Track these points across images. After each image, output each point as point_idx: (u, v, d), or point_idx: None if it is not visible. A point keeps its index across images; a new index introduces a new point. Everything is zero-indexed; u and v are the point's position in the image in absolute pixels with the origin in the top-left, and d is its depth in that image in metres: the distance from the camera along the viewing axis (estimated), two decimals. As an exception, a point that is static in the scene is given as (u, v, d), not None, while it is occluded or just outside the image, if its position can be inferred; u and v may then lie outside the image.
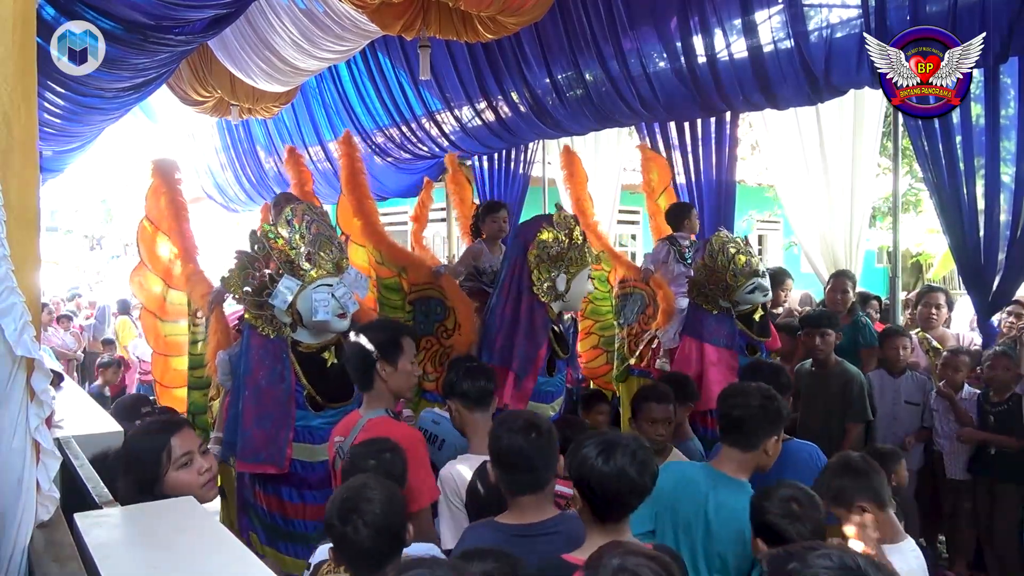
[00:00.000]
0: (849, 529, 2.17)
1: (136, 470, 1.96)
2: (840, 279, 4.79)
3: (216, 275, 4.00)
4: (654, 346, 4.68)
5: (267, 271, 2.99)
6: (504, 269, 4.01)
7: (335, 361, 3.07)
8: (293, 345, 3.03)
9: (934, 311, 4.60)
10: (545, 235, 3.76)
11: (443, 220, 9.61)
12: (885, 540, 2.21)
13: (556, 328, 3.90)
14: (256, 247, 3.02)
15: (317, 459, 3.01)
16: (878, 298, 5.72)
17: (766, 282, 4.25)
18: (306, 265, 2.97)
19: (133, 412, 3.26)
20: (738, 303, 4.19)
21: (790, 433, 3.09)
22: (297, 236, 2.99)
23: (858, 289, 5.09)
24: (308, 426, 3.03)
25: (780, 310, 5.49)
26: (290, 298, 2.93)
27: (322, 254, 3.01)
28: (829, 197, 5.48)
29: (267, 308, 2.99)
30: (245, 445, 2.97)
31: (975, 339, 4.67)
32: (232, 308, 3.94)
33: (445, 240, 9.70)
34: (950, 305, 4.73)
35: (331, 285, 2.99)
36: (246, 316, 3.08)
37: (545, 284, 3.75)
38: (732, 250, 4.16)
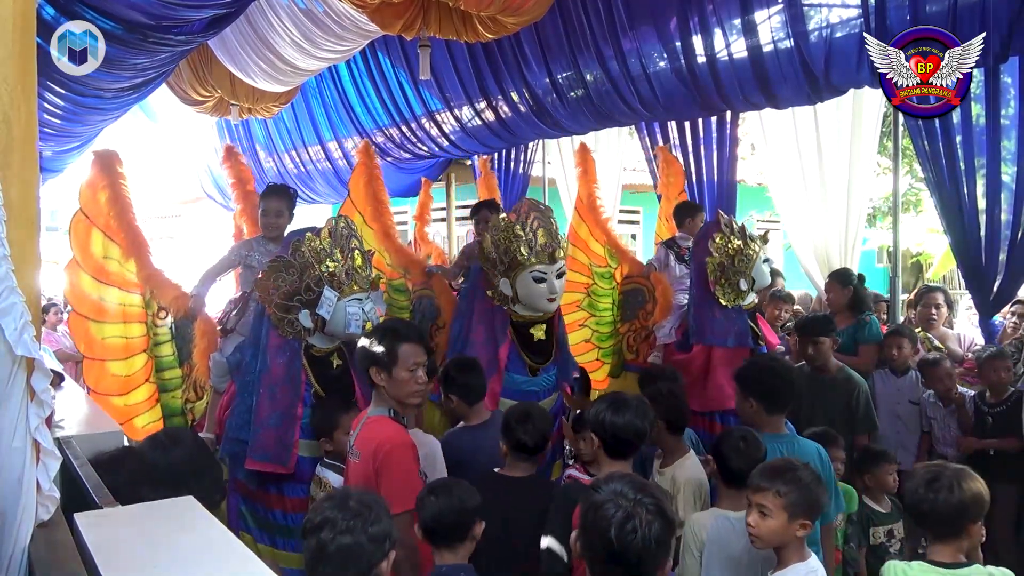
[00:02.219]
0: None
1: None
2: (828, 279, 4.80)
3: (187, 279, 4.01)
4: (650, 341, 4.69)
5: (305, 279, 3.05)
6: (468, 279, 4.09)
7: (340, 363, 3.19)
8: (306, 348, 3.12)
9: (934, 311, 4.59)
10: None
11: (443, 220, 9.61)
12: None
13: (534, 332, 3.76)
14: (295, 255, 3.07)
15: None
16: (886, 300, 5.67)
17: (767, 266, 4.24)
18: (345, 279, 3.07)
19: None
20: (754, 282, 4.12)
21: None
22: (338, 250, 3.09)
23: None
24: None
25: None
26: (332, 307, 3.02)
27: (358, 269, 3.12)
28: (825, 198, 5.47)
29: (292, 312, 3.06)
30: (255, 443, 3.02)
31: (975, 338, 4.66)
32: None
33: (445, 240, 9.70)
34: (949, 304, 4.71)
35: (360, 299, 3.09)
36: (271, 317, 3.14)
37: (495, 291, 3.73)
38: (737, 223, 4.23)
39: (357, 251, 3.15)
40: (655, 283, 4.66)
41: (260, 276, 3.16)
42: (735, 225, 4.18)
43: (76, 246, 3.86)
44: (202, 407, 3.83)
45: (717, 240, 4.04)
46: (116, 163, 3.90)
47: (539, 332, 3.77)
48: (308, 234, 3.11)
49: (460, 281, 4.72)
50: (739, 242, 4.06)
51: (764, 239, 4.22)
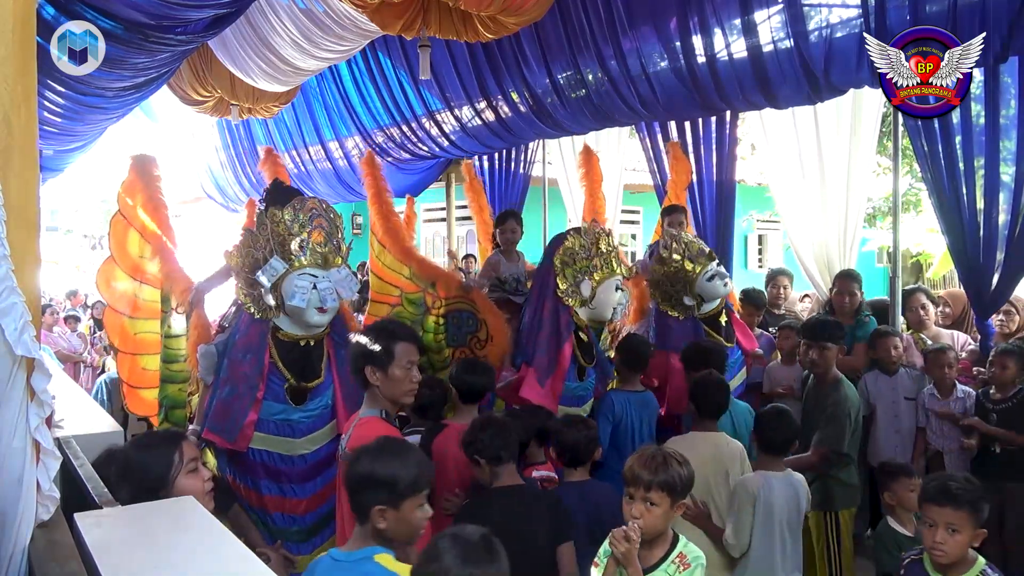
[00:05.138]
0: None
1: (143, 473, 1.98)
2: (844, 281, 4.77)
3: (200, 273, 4.04)
4: None
5: (262, 251, 3.07)
6: (535, 277, 4.15)
7: (310, 343, 3.13)
8: (274, 330, 3.10)
9: (921, 312, 4.60)
10: (570, 242, 3.91)
11: (443, 220, 9.62)
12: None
13: (583, 336, 3.92)
14: (260, 228, 3.11)
15: (296, 452, 3.07)
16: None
17: (724, 270, 4.37)
18: (296, 251, 3.05)
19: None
20: (702, 298, 4.28)
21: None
22: (297, 224, 3.07)
23: (875, 298, 5.06)
24: (288, 420, 3.07)
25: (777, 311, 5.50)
26: (276, 276, 3.01)
27: (315, 246, 3.08)
28: (824, 198, 5.47)
29: (256, 287, 3.06)
30: (208, 414, 3.03)
31: (969, 339, 4.66)
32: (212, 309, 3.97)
33: (445, 240, 9.71)
34: (933, 301, 4.72)
35: (316, 276, 3.04)
36: (236, 293, 3.18)
37: (569, 288, 3.83)
38: (684, 240, 4.38)
39: (321, 229, 3.10)
40: (633, 285, 4.58)
41: (231, 249, 3.18)
42: (677, 243, 4.31)
43: (115, 245, 4.05)
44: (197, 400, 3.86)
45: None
46: (152, 167, 4.06)
47: (583, 335, 3.98)
48: (271, 207, 3.12)
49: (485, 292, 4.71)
50: (678, 260, 4.24)
51: (711, 256, 4.34)
